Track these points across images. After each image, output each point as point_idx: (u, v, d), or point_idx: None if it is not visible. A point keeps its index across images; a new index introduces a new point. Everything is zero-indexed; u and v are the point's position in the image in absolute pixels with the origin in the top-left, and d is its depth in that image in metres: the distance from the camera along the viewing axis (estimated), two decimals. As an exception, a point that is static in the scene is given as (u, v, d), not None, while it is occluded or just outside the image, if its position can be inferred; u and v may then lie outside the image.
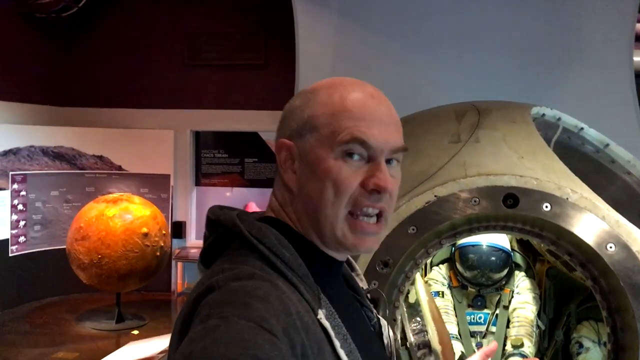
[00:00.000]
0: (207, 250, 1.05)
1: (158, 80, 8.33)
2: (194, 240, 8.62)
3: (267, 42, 8.13)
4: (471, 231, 2.27)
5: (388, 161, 1.00)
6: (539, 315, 3.27)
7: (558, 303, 3.39)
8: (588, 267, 2.15)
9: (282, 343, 0.80)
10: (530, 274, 3.38)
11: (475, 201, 2.18)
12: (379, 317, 1.16)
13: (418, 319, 2.49)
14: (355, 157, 0.97)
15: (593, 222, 2.12)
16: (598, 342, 3.04)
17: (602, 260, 2.08)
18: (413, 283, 2.64)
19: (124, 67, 8.35)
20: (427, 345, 2.39)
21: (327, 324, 0.91)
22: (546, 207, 2.15)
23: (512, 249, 3.37)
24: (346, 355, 0.91)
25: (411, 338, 2.37)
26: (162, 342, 4.50)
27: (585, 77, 4.33)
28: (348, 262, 1.17)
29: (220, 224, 1.02)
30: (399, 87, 4.64)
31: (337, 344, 0.91)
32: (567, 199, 2.16)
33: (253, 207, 9.21)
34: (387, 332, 1.17)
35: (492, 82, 4.19)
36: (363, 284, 1.18)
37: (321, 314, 0.92)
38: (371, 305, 1.16)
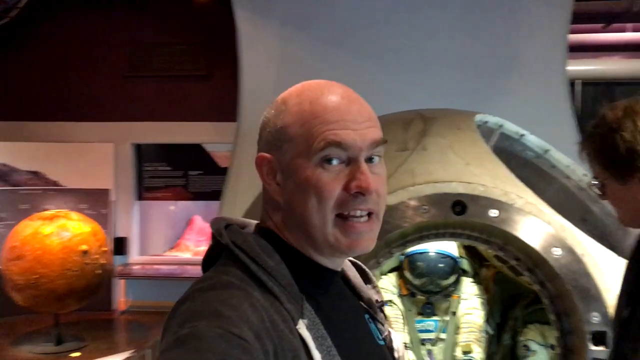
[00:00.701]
0: (206, 259, 1.06)
1: (97, 92, 8.06)
2: (136, 257, 8.37)
3: (210, 52, 8.02)
4: (421, 239, 2.27)
5: (370, 159, 0.98)
6: (486, 320, 3.30)
7: (505, 308, 3.44)
8: (535, 271, 2.18)
9: (253, 348, 0.80)
10: (477, 279, 3.43)
11: (424, 209, 2.18)
12: (390, 330, 1.14)
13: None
14: (334, 161, 0.95)
15: (539, 226, 2.16)
16: (544, 345, 3.10)
17: (549, 265, 2.12)
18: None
19: (61, 78, 8.05)
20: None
21: (306, 334, 0.90)
22: (493, 213, 2.17)
23: (460, 256, 3.41)
24: None
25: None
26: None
27: (524, 86, 4.45)
28: (363, 273, 1.16)
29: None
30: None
31: (316, 355, 0.89)
32: (513, 204, 2.19)
33: (198, 221, 9.03)
34: (398, 347, 1.15)
35: (437, 90, 4.25)
36: (378, 296, 1.16)
37: (301, 324, 0.90)
38: (383, 319, 1.14)
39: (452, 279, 3.31)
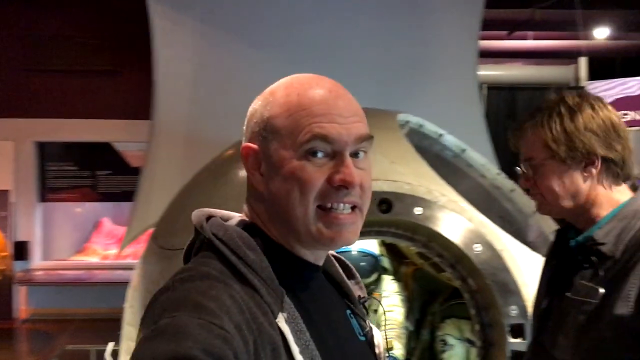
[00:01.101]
0: (188, 251, 1.05)
1: (-5, 86, 7.57)
2: (39, 262, 7.91)
3: (117, 47, 7.72)
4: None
5: (355, 154, 0.97)
6: (406, 316, 3.37)
7: (423, 304, 3.52)
8: (457, 267, 2.24)
9: (233, 339, 0.81)
10: (397, 277, 3.48)
11: (350, 207, 2.18)
12: (372, 326, 1.14)
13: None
14: (319, 154, 0.95)
15: (461, 223, 2.22)
16: (461, 339, 3.19)
17: (470, 260, 2.18)
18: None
19: (-47, 71, 7.48)
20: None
21: (285, 327, 0.90)
22: (418, 211, 2.20)
23: (380, 254, 3.45)
24: None
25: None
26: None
27: (439, 89, 4.59)
28: (347, 268, 1.16)
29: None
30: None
31: (294, 349, 0.89)
32: (437, 202, 2.23)
33: (107, 224, 8.66)
34: (379, 342, 1.15)
35: (356, 91, 4.28)
36: (361, 291, 1.16)
37: (280, 317, 0.90)
38: (365, 315, 1.13)
39: (373, 277, 3.34)
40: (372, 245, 3.33)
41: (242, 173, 2.59)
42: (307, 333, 0.92)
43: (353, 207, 0.97)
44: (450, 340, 3.22)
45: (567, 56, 9.42)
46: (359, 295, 1.14)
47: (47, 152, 8.03)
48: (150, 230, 3.26)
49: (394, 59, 4.63)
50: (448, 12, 4.78)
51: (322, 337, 0.95)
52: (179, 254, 2.37)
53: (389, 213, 2.20)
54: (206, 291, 0.86)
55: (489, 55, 9.40)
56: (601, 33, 8.90)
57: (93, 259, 8.30)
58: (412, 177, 2.31)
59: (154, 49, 4.88)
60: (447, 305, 3.30)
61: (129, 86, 7.58)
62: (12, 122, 7.56)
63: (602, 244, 1.46)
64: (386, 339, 3.20)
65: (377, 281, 3.40)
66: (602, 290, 1.42)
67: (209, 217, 1.00)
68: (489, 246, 2.19)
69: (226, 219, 1.03)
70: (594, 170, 1.50)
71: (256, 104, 1.02)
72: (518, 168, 1.61)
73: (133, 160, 7.98)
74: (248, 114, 1.04)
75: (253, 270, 0.92)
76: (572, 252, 1.57)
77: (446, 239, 2.20)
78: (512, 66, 9.86)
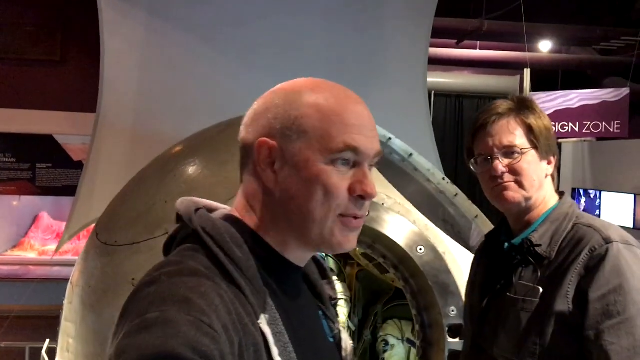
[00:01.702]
0: (170, 241, 1.03)
1: None
2: (-28, 256, 7.59)
3: (64, 37, 7.49)
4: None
5: (369, 166, 1.01)
6: (349, 316, 3.40)
7: (366, 304, 3.57)
8: (400, 268, 2.28)
9: (220, 338, 0.80)
10: (342, 277, 3.52)
11: (297, 207, 2.19)
12: (341, 329, 1.14)
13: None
14: (344, 163, 0.96)
15: (405, 226, 2.26)
16: (402, 339, 3.25)
17: (413, 262, 2.22)
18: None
19: None
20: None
21: (267, 329, 0.90)
22: (364, 212, 2.23)
23: (325, 254, 3.48)
24: None
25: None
26: None
27: (389, 94, 4.65)
28: (322, 269, 1.16)
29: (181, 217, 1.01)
30: (213, 92, 4.56)
31: (274, 351, 0.90)
32: (383, 204, 2.27)
33: (45, 218, 8.39)
34: (347, 345, 1.15)
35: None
36: (332, 292, 1.16)
37: (263, 319, 0.91)
38: (335, 316, 1.14)
39: (318, 277, 3.36)
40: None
41: (190, 170, 2.56)
42: (286, 335, 0.93)
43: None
44: (392, 340, 3.28)
45: (513, 67, 9.72)
46: (330, 296, 1.15)
47: (-16, 143, 7.73)
48: (92, 226, 3.18)
49: (345, 63, 4.67)
50: (399, 18, 4.86)
51: (298, 339, 0.95)
52: (122, 249, 2.32)
53: (335, 214, 2.22)
54: (195, 288, 0.85)
55: (437, 63, 9.61)
56: (545, 46, 9.24)
57: (30, 255, 8.02)
58: (359, 178, 2.33)
59: (102, 40, 4.77)
60: (389, 307, 3.36)
61: (73, 77, 7.37)
62: (-54, 110, 7.23)
63: (538, 245, 1.53)
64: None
65: (322, 281, 3.42)
66: (541, 290, 1.49)
67: (197, 209, 0.99)
68: (431, 248, 2.24)
69: (211, 210, 1.03)
70: (551, 169, 1.61)
71: (274, 99, 1.00)
72: (475, 160, 1.63)
73: (75, 153, 7.76)
74: (258, 108, 1.01)
75: (239, 269, 0.92)
76: (503, 254, 1.63)
77: (391, 240, 2.24)
78: (460, 75, 10.11)
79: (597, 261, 1.43)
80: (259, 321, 0.90)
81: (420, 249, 2.22)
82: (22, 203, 8.19)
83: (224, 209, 1.06)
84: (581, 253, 1.46)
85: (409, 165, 3.15)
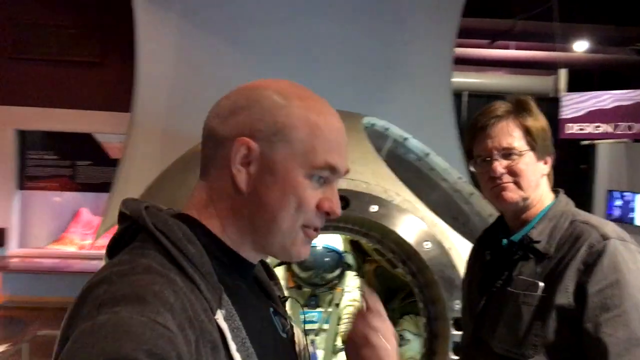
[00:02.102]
0: (114, 242, 0.99)
1: (-24, 73, 7.57)
2: (15, 249, 7.92)
3: (103, 39, 7.75)
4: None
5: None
6: (367, 312, 3.48)
7: (384, 300, 3.65)
8: (408, 263, 2.36)
9: (177, 338, 0.78)
10: (360, 273, 3.61)
11: (309, 203, 2.29)
12: (293, 324, 1.16)
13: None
14: (320, 179, 0.98)
15: (413, 222, 2.34)
16: (418, 334, 3.32)
17: (420, 257, 2.31)
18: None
19: (-64, 56, 7.47)
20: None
21: (224, 325, 0.89)
22: (373, 208, 2.32)
23: (345, 250, 3.57)
24: (242, 358, 0.90)
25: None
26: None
27: (411, 93, 4.72)
28: (267, 269, 1.16)
29: (127, 216, 0.97)
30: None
31: (232, 346, 0.89)
32: (392, 201, 2.35)
33: (85, 214, 8.69)
34: (300, 340, 1.17)
35: (326, 92, 4.39)
36: (280, 292, 1.17)
37: (219, 315, 0.89)
38: (286, 313, 1.15)
39: (336, 272, 3.46)
40: (336, 242, 3.46)
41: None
42: (244, 330, 0.92)
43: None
44: (408, 335, 3.35)
45: (548, 67, 9.61)
46: (279, 296, 1.16)
47: (28, 141, 8.05)
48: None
49: (369, 64, 4.75)
50: (424, 16, 4.91)
51: (254, 334, 0.95)
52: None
53: (345, 210, 2.32)
54: (149, 286, 0.82)
55: (470, 63, 9.58)
56: (581, 46, 9.11)
57: (70, 249, 8.32)
58: (371, 176, 2.43)
59: (137, 42, 4.96)
60: (405, 303, 3.44)
61: (111, 78, 7.62)
62: (-7, 109, 7.58)
63: (537, 242, 1.60)
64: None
65: (340, 276, 3.52)
66: (542, 284, 1.56)
67: (147, 207, 0.97)
68: (438, 244, 2.31)
69: (159, 210, 1.00)
70: (547, 169, 1.68)
71: (261, 100, 0.97)
72: (473, 163, 1.70)
73: (113, 151, 8.03)
74: (240, 101, 0.98)
75: (193, 265, 0.90)
76: (501, 251, 1.70)
77: (398, 236, 2.33)
78: (493, 75, 10.05)
79: (595, 257, 1.50)
80: (215, 317, 0.88)
81: (427, 245, 2.31)
82: (63, 199, 8.49)
83: (170, 209, 1.03)
84: (580, 249, 1.53)
85: (426, 164, 3.23)
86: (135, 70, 5.03)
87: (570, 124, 8.16)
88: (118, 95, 7.01)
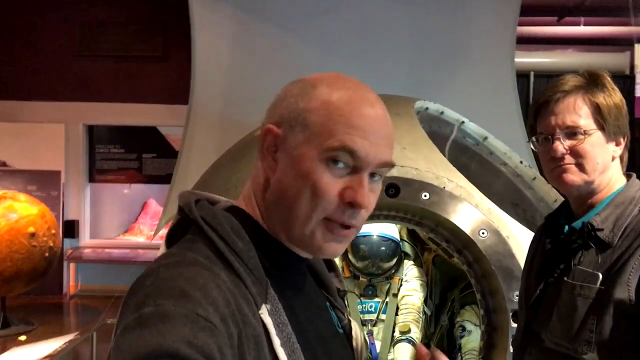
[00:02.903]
0: (171, 234, 1.01)
1: (48, 70, 7.89)
2: (88, 240, 8.25)
3: (166, 34, 7.92)
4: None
5: (372, 174, 0.95)
6: (425, 301, 3.39)
7: (443, 289, 3.54)
8: (464, 252, 2.25)
9: (219, 331, 0.79)
10: (418, 262, 3.51)
11: (358, 191, 2.22)
12: (351, 319, 1.13)
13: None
14: (340, 164, 0.91)
15: (467, 210, 2.23)
16: (479, 326, 3.20)
17: (476, 246, 2.19)
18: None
19: (10, 56, 7.84)
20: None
21: (268, 319, 0.88)
22: (425, 196, 2.23)
23: (401, 239, 3.48)
24: (286, 354, 0.88)
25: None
26: (47, 347, 4.26)
27: (471, 74, 4.55)
28: (328, 261, 1.14)
29: (182, 208, 0.99)
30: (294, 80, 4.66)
31: (276, 341, 0.88)
32: (444, 187, 2.25)
33: (153, 205, 8.95)
34: (357, 335, 1.13)
35: (385, 76, 4.30)
36: (340, 284, 1.14)
37: (264, 309, 0.88)
38: (343, 307, 1.12)
39: (393, 261, 3.38)
40: (392, 230, 3.37)
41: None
42: (289, 326, 0.91)
43: (349, 226, 0.95)
44: (469, 326, 3.24)
45: (621, 43, 9.08)
46: (338, 288, 1.13)
47: (96, 135, 8.35)
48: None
49: (430, 44, 4.61)
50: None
51: (302, 330, 0.94)
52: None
53: (396, 197, 2.23)
54: (193, 279, 0.83)
55: (538, 42, 9.17)
56: (656, 19, 8.55)
57: (139, 239, 8.59)
58: (422, 162, 2.33)
59: (193, 35, 5.02)
60: (466, 293, 3.32)
61: (174, 71, 7.76)
62: (63, 105, 7.88)
63: (600, 229, 1.46)
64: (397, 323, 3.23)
65: (398, 266, 3.44)
66: (601, 276, 1.43)
67: (198, 200, 0.98)
68: (495, 232, 2.19)
69: (212, 203, 1.01)
70: (619, 151, 1.53)
71: (293, 89, 0.97)
72: (534, 139, 1.56)
73: (177, 144, 8.19)
74: (280, 94, 0.98)
75: (240, 259, 0.90)
76: (563, 237, 1.57)
77: (453, 224, 2.22)
78: (562, 53, 9.59)
79: None
80: (260, 311, 0.88)
81: (483, 233, 2.19)
82: (132, 191, 8.76)
83: (226, 201, 1.04)
84: None
85: (484, 148, 3.09)
86: (193, 63, 5.09)
87: (646, 102, 7.68)
88: (181, 88, 7.13)
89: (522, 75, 9.15)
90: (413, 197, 2.23)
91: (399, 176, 2.25)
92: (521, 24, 8.54)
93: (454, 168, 2.38)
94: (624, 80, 8.58)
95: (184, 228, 0.98)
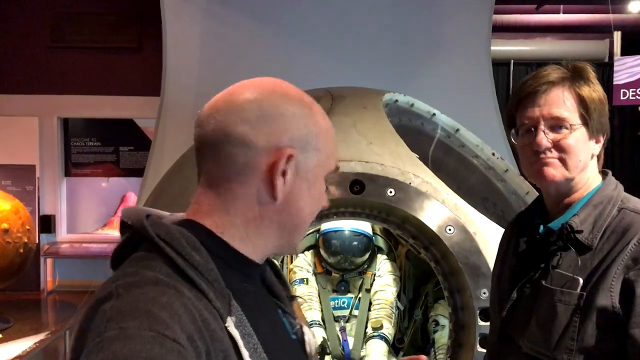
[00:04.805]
0: (117, 253, 0.97)
1: (20, 62, 7.73)
2: (65, 235, 8.13)
3: (141, 24, 7.78)
4: (321, 218, 2.27)
5: None
6: (399, 296, 3.36)
7: (417, 284, 3.51)
8: (430, 249, 2.21)
9: (187, 352, 0.77)
10: (391, 256, 3.47)
11: (322, 188, 2.16)
12: (302, 324, 1.12)
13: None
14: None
15: (434, 206, 2.18)
16: (452, 320, 3.17)
17: (442, 243, 2.15)
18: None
19: (-22, 48, 7.66)
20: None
21: (235, 332, 0.87)
22: (390, 192, 2.18)
23: (375, 233, 3.44)
24: None
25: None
26: (21, 346, 4.18)
27: (447, 64, 4.50)
28: (274, 268, 1.13)
29: (129, 225, 0.95)
30: (270, 71, 4.59)
31: (245, 353, 0.87)
32: (410, 183, 2.20)
33: (132, 198, 8.84)
34: (310, 340, 1.12)
35: (358, 67, 4.26)
36: (287, 291, 1.14)
37: (230, 322, 0.87)
38: (294, 313, 1.12)
39: (366, 256, 3.34)
40: (365, 225, 3.32)
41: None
42: (255, 336, 0.91)
43: None
44: (442, 320, 3.21)
45: (600, 31, 9.08)
46: (287, 295, 1.12)
47: (71, 128, 8.21)
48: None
49: (407, 36, 4.56)
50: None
51: (265, 339, 0.93)
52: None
53: (361, 194, 2.18)
54: (157, 298, 0.80)
55: (517, 30, 9.14)
56: (636, 7, 8.55)
57: (118, 233, 8.49)
58: (388, 157, 2.27)
59: (164, 26, 4.92)
60: (439, 287, 3.28)
61: (150, 63, 7.62)
62: (36, 98, 7.72)
63: (580, 231, 1.39)
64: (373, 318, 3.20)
65: (370, 260, 3.39)
66: (582, 281, 1.36)
67: (147, 216, 0.94)
68: (461, 229, 2.15)
69: (160, 218, 0.98)
70: (598, 149, 1.46)
71: (290, 108, 0.96)
72: (515, 131, 1.48)
73: (154, 136, 8.09)
74: (270, 109, 0.94)
75: (199, 273, 0.88)
76: (538, 238, 1.51)
77: (419, 221, 2.18)
78: (542, 41, 9.57)
79: None
80: (226, 324, 0.87)
81: (450, 229, 2.14)
82: (110, 184, 8.65)
83: (171, 215, 1.01)
84: (629, 243, 1.32)
85: (456, 140, 3.05)
86: (164, 55, 5.00)
87: (624, 90, 7.67)
88: (157, 79, 6.99)
89: (502, 64, 9.14)
90: (378, 194, 2.18)
91: (364, 172, 2.20)
92: (500, 12, 8.53)
93: (421, 163, 2.33)
94: (603, 68, 8.58)
95: (133, 246, 0.94)
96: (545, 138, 1.41)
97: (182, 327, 0.79)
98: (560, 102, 1.41)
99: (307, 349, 1.10)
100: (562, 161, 1.41)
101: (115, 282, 0.84)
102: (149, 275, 0.85)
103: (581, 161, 1.42)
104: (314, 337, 1.14)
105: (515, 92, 1.50)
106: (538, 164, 1.43)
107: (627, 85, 7.59)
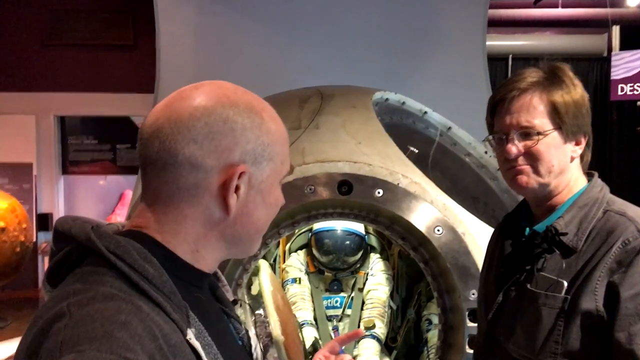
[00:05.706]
0: (54, 268, 0.90)
1: (16, 60, 7.69)
2: (62, 233, 8.11)
3: (135, 22, 7.74)
4: (309, 219, 2.25)
5: None
6: (392, 295, 3.34)
7: (410, 282, 3.49)
8: (419, 250, 2.19)
9: None
10: (384, 255, 3.45)
11: (310, 189, 2.15)
12: (247, 329, 1.11)
13: (261, 310, 2.44)
14: None
15: (422, 206, 2.16)
16: (446, 319, 3.15)
17: (431, 244, 2.13)
18: (256, 274, 2.59)
19: (-25, 46, 7.63)
20: (269, 335, 2.35)
21: (197, 344, 0.85)
22: (379, 193, 2.16)
23: (367, 232, 3.42)
24: None
25: (252, 330, 2.32)
26: (12, 346, 4.17)
27: (441, 61, 4.47)
28: (215, 273, 1.10)
29: (71, 238, 0.89)
30: (263, 69, 4.57)
31: None
32: (398, 184, 2.18)
33: (130, 196, 8.84)
34: (256, 345, 1.13)
35: (351, 64, 4.23)
36: (229, 295, 1.12)
37: (190, 334, 0.85)
38: (239, 317, 1.10)
39: (358, 255, 3.32)
40: (357, 224, 3.30)
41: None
42: (214, 346, 0.89)
43: None
44: (435, 319, 3.18)
45: (599, 25, 9.04)
46: (231, 299, 1.11)
47: (68, 126, 8.19)
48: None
49: (399, 32, 4.53)
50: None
51: (223, 346, 0.92)
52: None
53: (349, 195, 2.16)
54: (114, 317, 0.75)
55: (515, 25, 9.10)
56: (634, 1, 8.51)
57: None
58: (377, 158, 2.25)
59: (157, 23, 4.89)
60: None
61: (146, 60, 7.59)
62: (32, 96, 7.70)
63: (564, 234, 1.38)
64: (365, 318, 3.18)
65: (363, 259, 3.38)
66: (566, 284, 1.35)
67: (93, 227, 0.89)
68: (450, 229, 2.13)
69: (99, 227, 0.92)
70: (579, 151, 1.44)
71: (239, 119, 0.91)
72: (491, 138, 1.48)
73: (150, 134, 8.08)
74: (215, 124, 0.89)
75: (154, 286, 0.84)
76: (523, 240, 1.49)
77: (407, 221, 2.16)
78: (540, 36, 9.52)
79: (631, 255, 1.28)
80: (187, 337, 0.84)
81: (438, 230, 2.13)
82: (107, 182, 8.64)
83: (108, 224, 0.96)
84: (613, 245, 1.31)
85: (448, 139, 3.03)
86: (157, 52, 4.97)
87: (622, 85, 7.65)
88: (153, 77, 6.99)
89: (500, 59, 9.09)
90: (366, 194, 2.16)
91: (352, 172, 2.18)
92: (498, 7, 8.49)
93: (410, 163, 2.31)
94: (601, 63, 8.54)
95: (75, 260, 0.88)
96: (515, 147, 1.41)
97: (143, 347, 0.75)
98: (530, 108, 1.40)
99: (254, 354, 1.10)
100: (534, 168, 1.41)
101: (66, 300, 0.78)
102: (103, 291, 0.80)
103: (554, 166, 1.41)
104: (257, 341, 1.14)
105: (490, 98, 1.50)
106: (512, 172, 1.44)
107: (625, 80, 7.57)
